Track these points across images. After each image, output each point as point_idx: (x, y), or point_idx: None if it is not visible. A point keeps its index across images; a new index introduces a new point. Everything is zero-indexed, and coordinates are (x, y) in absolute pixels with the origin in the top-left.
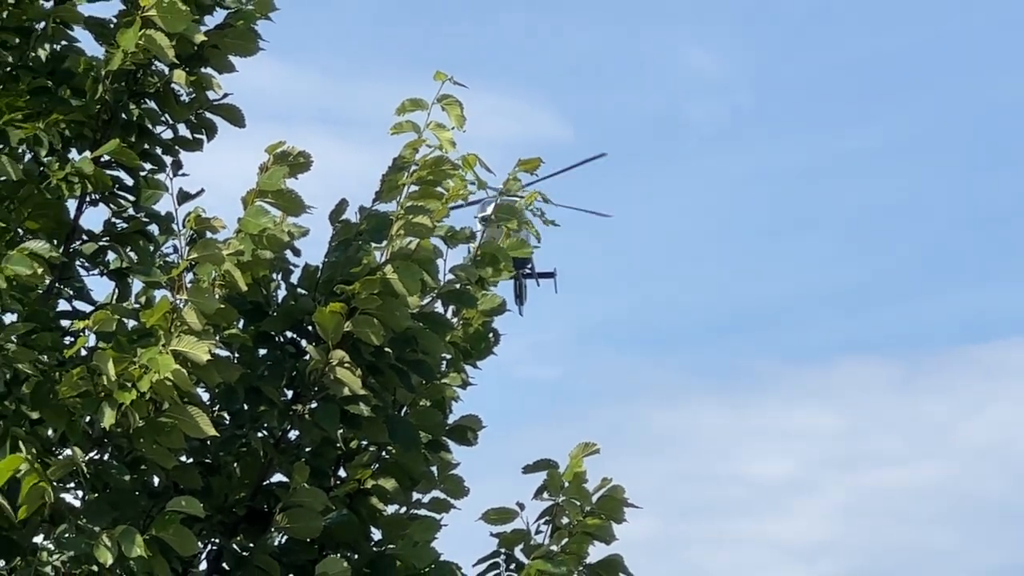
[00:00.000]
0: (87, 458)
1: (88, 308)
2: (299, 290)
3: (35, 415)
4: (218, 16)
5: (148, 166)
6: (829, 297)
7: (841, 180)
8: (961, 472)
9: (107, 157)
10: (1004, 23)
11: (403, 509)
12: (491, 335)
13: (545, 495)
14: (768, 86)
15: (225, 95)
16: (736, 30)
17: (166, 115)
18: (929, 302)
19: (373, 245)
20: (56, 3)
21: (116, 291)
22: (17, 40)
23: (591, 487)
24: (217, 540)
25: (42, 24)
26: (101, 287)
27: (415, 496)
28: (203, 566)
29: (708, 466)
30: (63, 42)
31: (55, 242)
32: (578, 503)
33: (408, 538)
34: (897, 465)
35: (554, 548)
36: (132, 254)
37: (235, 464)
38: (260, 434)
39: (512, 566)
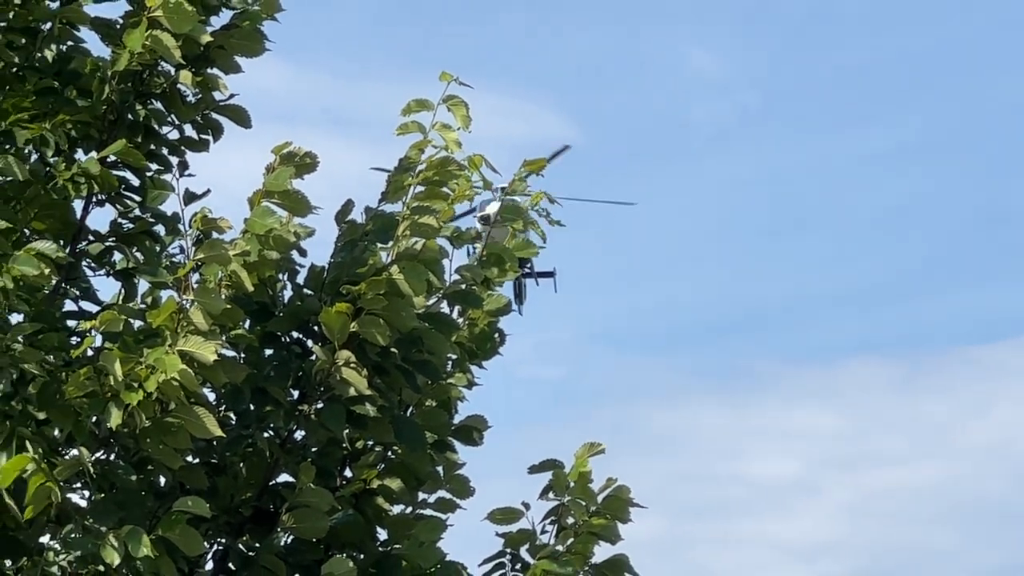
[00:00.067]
0: (93, 458)
1: (94, 308)
2: (305, 290)
3: (42, 415)
4: (224, 17)
5: (154, 166)
6: (831, 298)
7: (843, 181)
8: (963, 472)
9: (113, 157)
10: (1009, 24)
11: (409, 509)
12: (496, 335)
13: (551, 495)
14: (772, 87)
15: (231, 96)
16: (740, 30)
17: (172, 116)
18: (931, 303)
19: (379, 245)
20: (62, 4)
21: (122, 291)
22: (23, 41)
23: (596, 487)
24: (223, 540)
25: (48, 25)
26: (107, 287)
27: (421, 496)
28: (209, 566)
29: (710, 466)
30: (69, 43)
31: (61, 242)
32: (583, 503)
33: (414, 538)
34: (899, 465)
35: (560, 548)
36: (138, 254)
37: (241, 464)
38: (266, 434)
39: (518, 566)
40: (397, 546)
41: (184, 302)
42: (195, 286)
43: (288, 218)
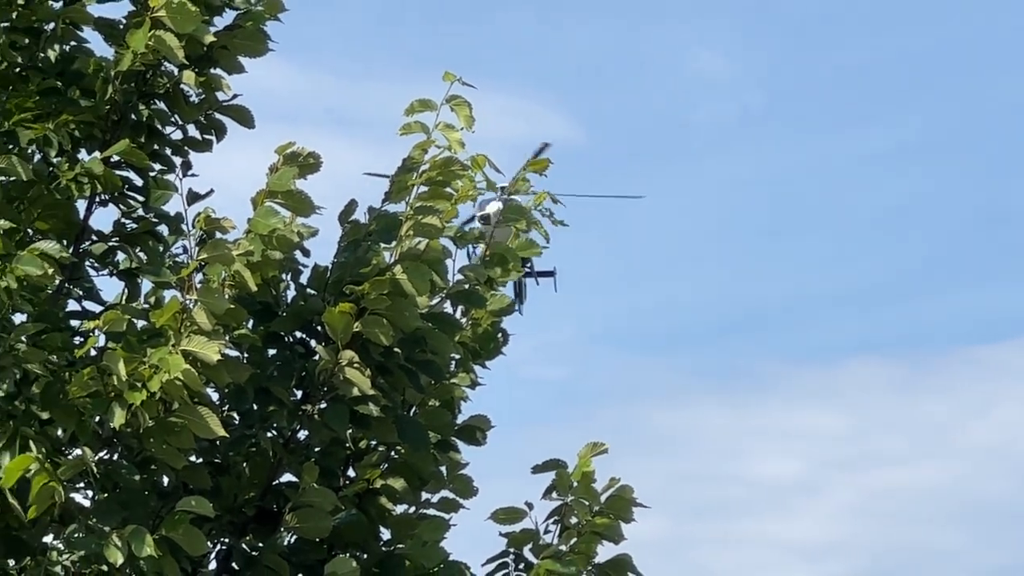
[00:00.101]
0: (97, 458)
1: (98, 308)
2: (308, 290)
3: (45, 415)
4: (227, 17)
5: (157, 167)
6: (832, 297)
7: (844, 181)
8: (964, 472)
9: (117, 158)
10: (1014, 25)
11: (412, 509)
12: (500, 335)
13: (554, 495)
14: (775, 87)
15: (235, 96)
16: (745, 31)
17: (176, 116)
18: (932, 303)
19: (382, 245)
20: (66, 4)
21: (126, 291)
22: (27, 41)
23: (599, 487)
24: (227, 540)
25: (52, 25)
26: (111, 287)
27: (424, 496)
28: (212, 566)
29: (712, 466)
30: (73, 43)
31: (65, 242)
32: (587, 503)
33: (417, 538)
34: (901, 465)
35: (563, 548)
36: (142, 254)
37: (244, 464)
38: (269, 434)
39: (521, 566)
40: (400, 546)
41: (187, 302)
42: (198, 286)
43: (291, 218)
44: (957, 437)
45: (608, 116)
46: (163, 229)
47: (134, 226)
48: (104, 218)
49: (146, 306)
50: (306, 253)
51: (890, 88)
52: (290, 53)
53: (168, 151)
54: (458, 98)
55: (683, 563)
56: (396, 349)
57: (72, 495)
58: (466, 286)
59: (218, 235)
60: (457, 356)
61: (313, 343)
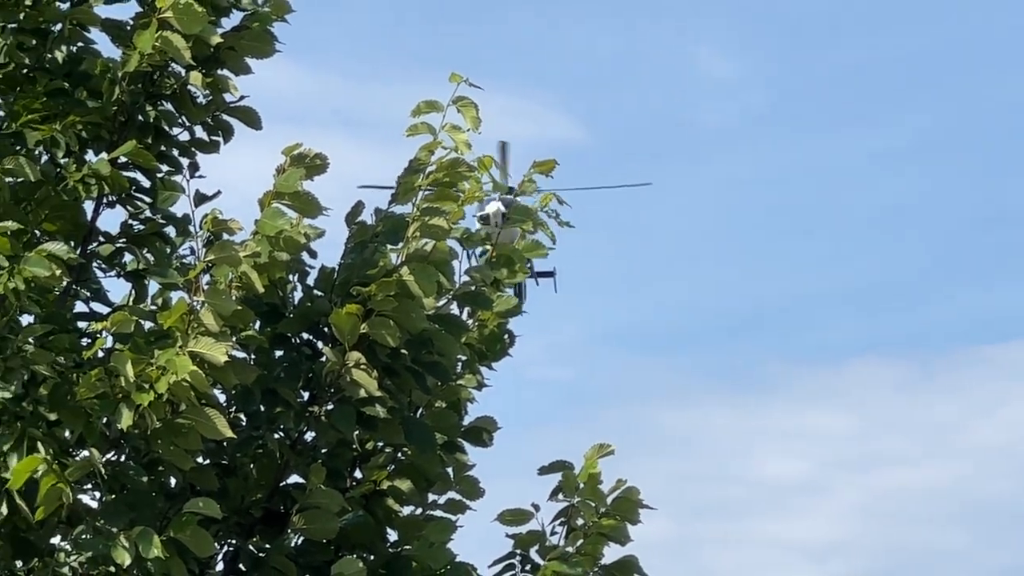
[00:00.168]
0: (104, 459)
1: (105, 310)
2: (315, 292)
3: (53, 416)
4: (234, 18)
5: (165, 168)
6: (839, 298)
7: (851, 180)
8: (971, 472)
9: (124, 159)
10: (1019, 25)
11: (419, 510)
12: (506, 336)
13: (560, 496)
14: (779, 87)
15: (242, 97)
16: (748, 31)
17: (183, 117)
18: (940, 303)
19: (389, 247)
20: (73, 5)
21: (133, 293)
22: (34, 42)
23: (606, 488)
24: (234, 541)
25: (59, 26)
26: (118, 289)
27: (431, 497)
28: (220, 567)
29: (719, 467)
30: (80, 44)
31: (72, 244)
32: (593, 504)
33: (424, 539)
34: (907, 466)
35: (569, 549)
36: (149, 256)
37: (252, 465)
38: (276, 435)
39: (527, 567)
40: (407, 547)
41: (195, 303)
42: (205, 287)
43: (298, 219)
44: (963, 437)
45: (611, 116)
46: (170, 230)
47: (141, 227)
48: (111, 219)
49: (153, 307)
50: (313, 254)
51: (896, 87)
52: (297, 54)
53: (175, 152)
54: (464, 99)
55: (689, 564)
56: (403, 350)
57: (80, 496)
58: (473, 287)
59: (225, 236)
60: (463, 357)
61: (320, 344)
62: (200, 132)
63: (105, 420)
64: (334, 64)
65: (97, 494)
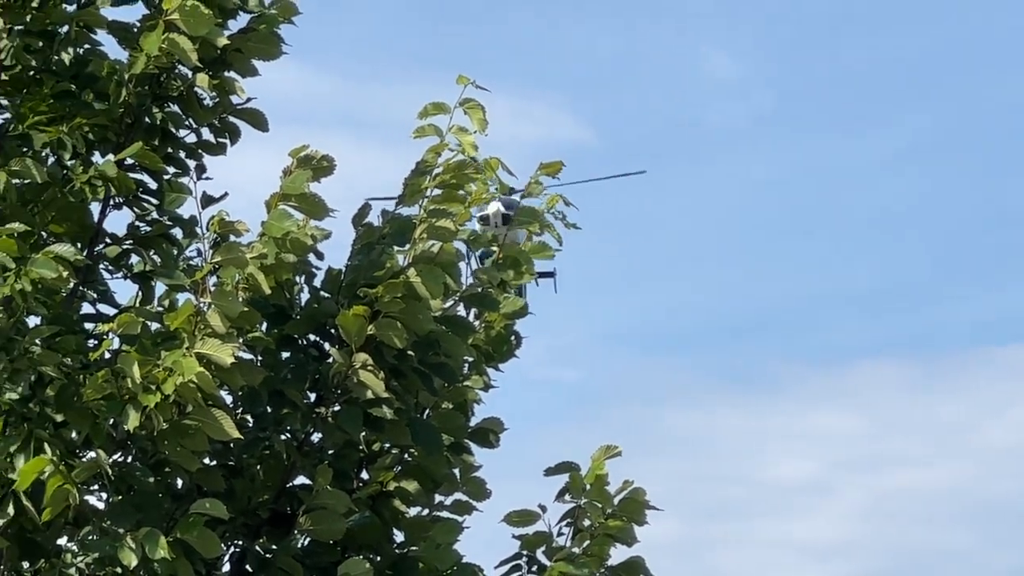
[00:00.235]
0: (111, 460)
1: (112, 311)
2: (322, 293)
3: (59, 418)
4: (241, 20)
5: (171, 170)
6: (846, 299)
7: (859, 181)
8: (979, 473)
9: (130, 160)
10: (1023, 26)
11: (425, 511)
12: (513, 338)
13: (567, 497)
14: (787, 89)
15: (248, 99)
16: (755, 32)
17: (189, 119)
18: (948, 304)
19: (396, 248)
20: (79, 7)
21: (140, 294)
22: (40, 44)
23: (612, 489)
24: (240, 542)
25: (65, 28)
26: (125, 290)
27: (437, 498)
28: (226, 568)
29: (725, 468)
30: (86, 46)
31: (79, 245)
32: (600, 505)
33: (430, 540)
34: (915, 466)
35: (576, 550)
36: (156, 257)
37: (258, 467)
38: (283, 437)
39: (534, 568)
40: (414, 548)
41: (201, 305)
42: (212, 289)
43: (305, 221)
44: (971, 438)
45: (618, 117)
46: (177, 232)
47: (148, 229)
48: (118, 221)
49: (160, 309)
50: (320, 256)
51: (903, 88)
52: (304, 55)
53: (182, 154)
54: (471, 101)
55: (696, 564)
56: (410, 352)
57: (86, 497)
58: (479, 289)
59: (232, 238)
60: (470, 359)
61: (327, 346)
62: (207, 134)
63: (112, 421)
64: (340, 65)
65: (104, 495)
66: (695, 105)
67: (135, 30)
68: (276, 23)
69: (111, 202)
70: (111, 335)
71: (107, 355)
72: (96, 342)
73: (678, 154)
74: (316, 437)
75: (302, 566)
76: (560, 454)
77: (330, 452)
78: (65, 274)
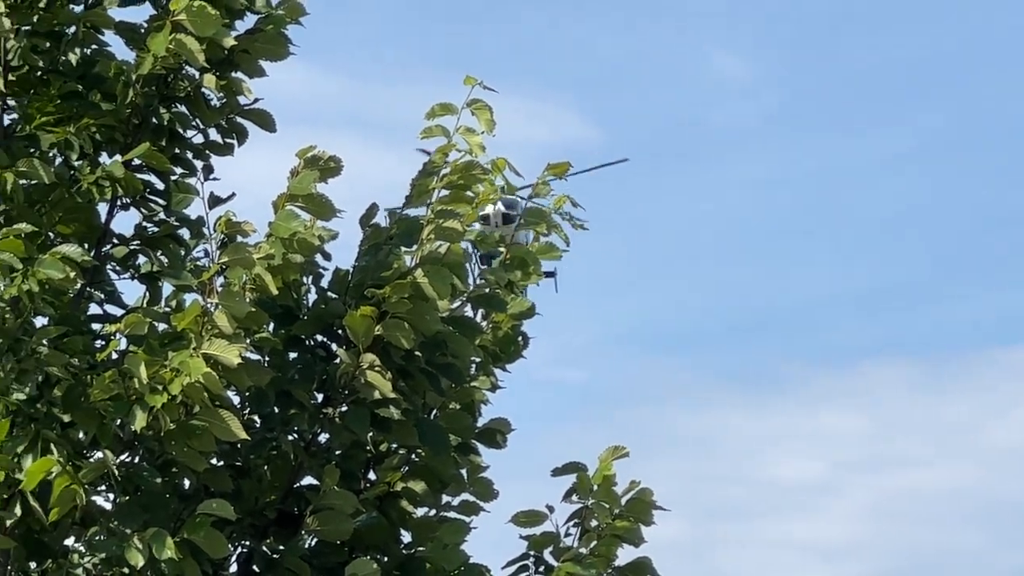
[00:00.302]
0: (118, 461)
1: (119, 312)
2: (329, 294)
3: (67, 418)
4: (248, 21)
5: (179, 170)
6: (853, 299)
7: (866, 181)
8: (986, 473)
9: (138, 161)
10: None
11: (433, 512)
12: (520, 338)
13: (574, 498)
14: (794, 89)
15: (255, 100)
16: (761, 33)
17: (197, 119)
18: (954, 304)
19: (403, 249)
20: (87, 8)
21: (147, 295)
22: (48, 45)
23: (619, 489)
24: (248, 543)
25: (72, 29)
26: (132, 291)
27: (445, 499)
28: (233, 568)
29: (732, 468)
30: (94, 46)
31: (86, 246)
32: (607, 506)
33: (438, 540)
34: (922, 467)
35: (583, 550)
36: (163, 258)
37: (266, 467)
38: (290, 437)
39: (541, 568)
40: (421, 548)
41: (208, 305)
42: (219, 289)
43: (312, 221)
44: (977, 438)
45: (625, 118)
46: (184, 233)
47: (155, 230)
48: (125, 222)
49: (167, 309)
50: (327, 256)
51: (910, 88)
52: (311, 56)
53: (189, 155)
54: (479, 102)
55: (703, 565)
56: (417, 352)
57: (93, 498)
58: (487, 290)
59: (239, 238)
60: (477, 359)
61: (334, 346)
62: (214, 134)
63: (119, 422)
64: (347, 66)
65: (111, 495)
66: (700, 105)
67: (142, 31)
68: (283, 24)
69: (118, 203)
70: (118, 336)
71: (114, 355)
72: (103, 343)
73: (683, 154)
74: (323, 438)
75: (309, 566)
76: (566, 454)
77: (337, 452)
78: (72, 275)
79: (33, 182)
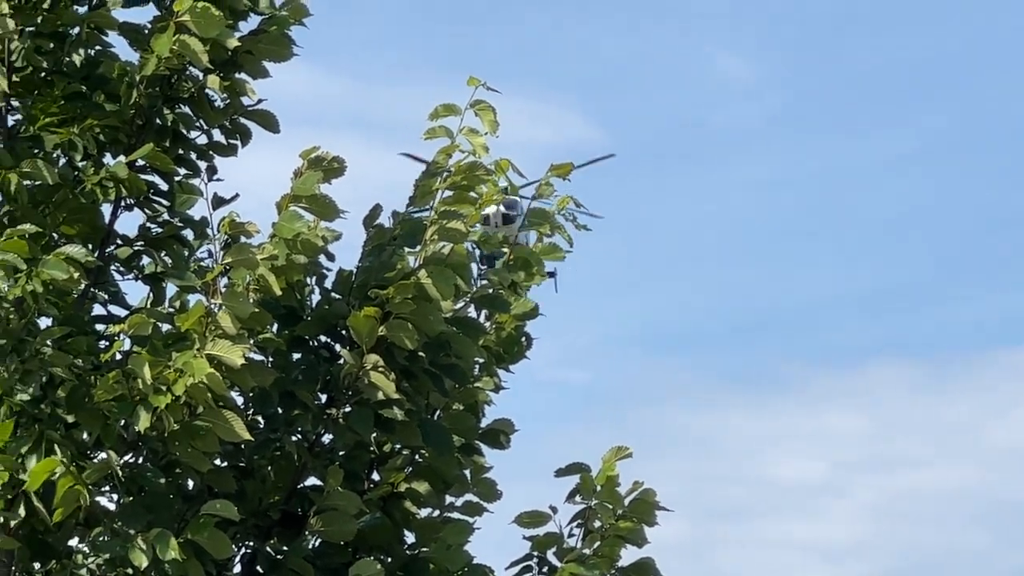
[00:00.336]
0: (122, 461)
1: (123, 312)
2: (333, 294)
3: (71, 418)
4: (252, 22)
5: (182, 171)
6: (855, 299)
7: (869, 182)
8: (989, 474)
9: (142, 162)
10: None
11: (436, 512)
12: (523, 339)
13: (578, 498)
14: (797, 90)
15: (259, 100)
16: (764, 33)
17: (200, 120)
18: (956, 305)
19: (407, 250)
20: (91, 8)
21: (151, 295)
22: (52, 45)
23: (623, 490)
24: (251, 543)
25: (76, 29)
26: (136, 291)
27: (448, 499)
28: (237, 569)
29: (735, 468)
30: (97, 47)
31: (90, 246)
32: (610, 506)
33: (441, 541)
34: (925, 467)
35: (586, 551)
36: (167, 258)
37: (269, 468)
38: (294, 438)
39: (545, 569)
40: (424, 549)
41: (212, 306)
42: (223, 290)
43: (316, 222)
44: (979, 439)
45: (628, 119)
46: (188, 233)
47: (159, 230)
48: (129, 222)
49: (171, 310)
50: (331, 257)
51: (914, 89)
52: (314, 57)
53: (193, 155)
54: (482, 103)
55: (706, 565)
56: (420, 353)
57: (97, 498)
58: (490, 290)
59: (243, 239)
60: (481, 360)
61: (338, 347)
62: (218, 135)
63: (123, 422)
64: (350, 66)
65: (115, 496)
66: (704, 106)
67: (146, 32)
68: (287, 25)
69: (122, 203)
70: (122, 336)
71: (118, 356)
72: (107, 343)
73: (686, 154)
74: (327, 438)
75: (313, 567)
76: (569, 455)
77: (341, 453)
78: (76, 275)
79: (37, 183)
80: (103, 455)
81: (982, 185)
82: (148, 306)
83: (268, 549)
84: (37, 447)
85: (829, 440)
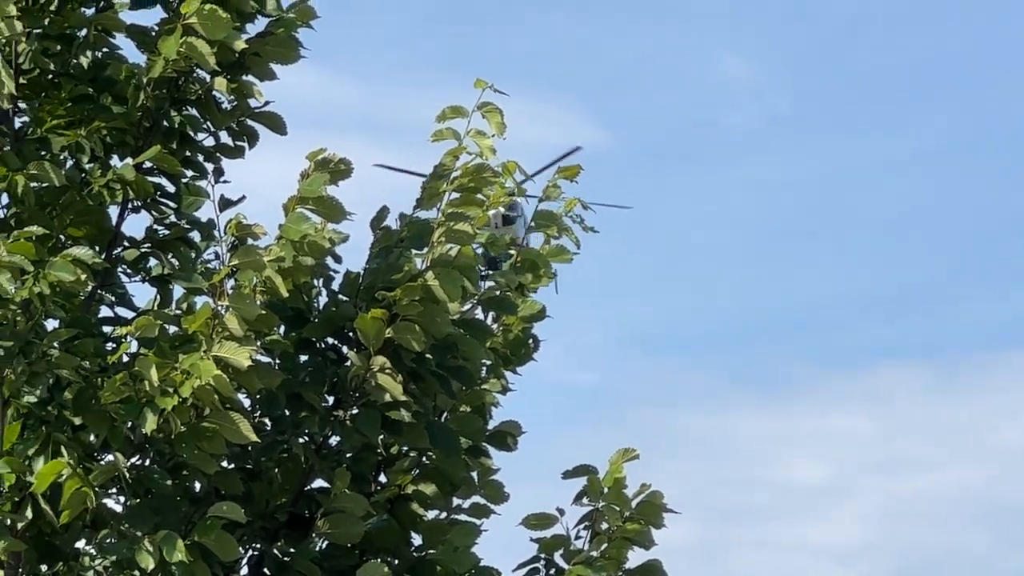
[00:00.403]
0: (129, 463)
1: (130, 314)
2: (340, 296)
3: (77, 421)
4: (259, 24)
5: (189, 173)
6: (863, 302)
7: (877, 183)
8: (996, 476)
9: (149, 164)
10: None
11: (443, 514)
12: (531, 341)
13: (585, 500)
14: (803, 91)
15: (266, 102)
16: (770, 35)
17: (207, 122)
18: (964, 307)
19: (414, 252)
20: (98, 10)
21: (158, 297)
22: (59, 47)
23: (630, 492)
24: (258, 545)
25: (84, 31)
26: (143, 293)
27: (455, 501)
28: (244, 571)
29: (744, 471)
30: (105, 49)
31: (97, 248)
32: (618, 508)
33: (448, 543)
34: (932, 469)
35: (594, 553)
36: (174, 260)
37: (276, 470)
38: (301, 440)
39: (552, 571)
40: (431, 551)
41: (219, 308)
42: (230, 292)
43: (323, 224)
44: (986, 441)
45: (634, 120)
46: (195, 235)
47: (166, 232)
48: (136, 224)
49: (178, 312)
50: (337, 259)
51: (917, 90)
52: (322, 59)
53: (200, 157)
54: (489, 105)
55: (714, 568)
56: (428, 355)
57: (104, 500)
58: (497, 292)
59: (250, 241)
60: (488, 362)
61: (345, 349)
62: (225, 137)
63: (130, 424)
64: (357, 68)
65: (121, 498)
66: (709, 107)
67: (153, 34)
68: (294, 27)
69: (129, 205)
70: (129, 338)
71: (125, 358)
72: (114, 345)
73: (693, 156)
74: (334, 440)
75: (320, 569)
76: (576, 457)
77: (348, 455)
78: (83, 277)
79: (44, 185)
80: (110, 457)
81: (988, 186)
82: (155, 308)
83: (275, 551)
84: (44, 449)
85: (839, 442)
